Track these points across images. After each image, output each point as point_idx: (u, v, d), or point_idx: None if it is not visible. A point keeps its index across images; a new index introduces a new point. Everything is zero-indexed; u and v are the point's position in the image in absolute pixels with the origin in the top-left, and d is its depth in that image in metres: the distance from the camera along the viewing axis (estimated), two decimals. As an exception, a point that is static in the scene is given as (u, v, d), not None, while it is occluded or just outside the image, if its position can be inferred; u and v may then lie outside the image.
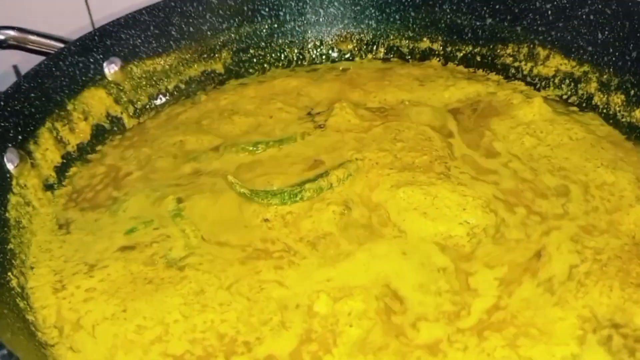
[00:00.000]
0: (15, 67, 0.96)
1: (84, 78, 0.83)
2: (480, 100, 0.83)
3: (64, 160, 0.78)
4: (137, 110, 0.89)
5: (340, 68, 0.95)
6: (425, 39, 0.96)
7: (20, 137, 0.72)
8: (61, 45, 0.85)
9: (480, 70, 0.91)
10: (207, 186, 0.70)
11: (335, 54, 0.98)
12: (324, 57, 0.98)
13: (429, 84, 0.86)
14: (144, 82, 0.90)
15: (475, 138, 0.76)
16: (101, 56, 0.85)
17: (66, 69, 0.80)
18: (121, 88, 0.88)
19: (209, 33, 0.95)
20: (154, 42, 0.90)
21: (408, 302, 0.56)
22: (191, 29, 0.93)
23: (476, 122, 0.78)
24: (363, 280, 0.58)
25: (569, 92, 0.83)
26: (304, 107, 0.84)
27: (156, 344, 0.54)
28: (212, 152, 0.77)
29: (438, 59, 0.94)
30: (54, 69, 0.79)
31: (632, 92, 0.76)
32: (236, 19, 0.96)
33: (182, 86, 0.93)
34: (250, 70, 0.96)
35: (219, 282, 0.58)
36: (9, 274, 0.59)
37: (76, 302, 0.58)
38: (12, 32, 0.85)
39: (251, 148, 0.75)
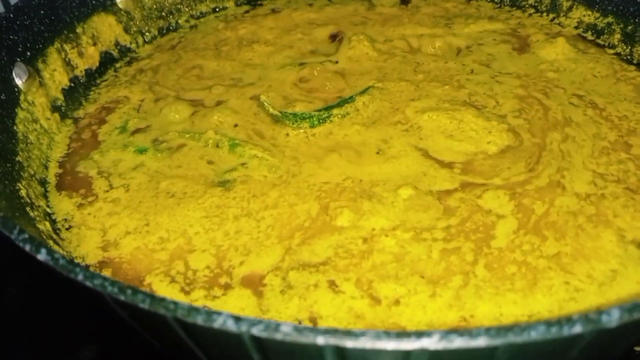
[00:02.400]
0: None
1: (94, 2, 0.80)
2: (502, 36, 0.82)
3: (72, 85, 0.75)
4: (147, 42, 0.86)
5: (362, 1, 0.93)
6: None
7: (29, 53, 0.68)
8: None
9: (507, 7, 0.89)
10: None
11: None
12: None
13: (449, 21, 0.85)
14: (154, 14, 0.87)
15: (497, 71, 0.75)
16: (113, -20, 0.81)
17: (76, -11, 0.77)
18: (131, 17, 0.84)
19: (222, -33, 0.91)
20: (166, -28, 0.87)
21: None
22: (205, -39, 0.90)
23: (497, 57, 0.77)
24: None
25: (592, 38, 0.82)
26: (325, 38, 0.83)
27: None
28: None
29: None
30: (64, -13, 0.75)
31: (658, 43, 0.74)
32: (251, -44, 0.92)
33: (193, 22, 0.90)
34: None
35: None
36: (18, 184, 0.56)
37: (101, 216, 0.57)
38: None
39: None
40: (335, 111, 0.67)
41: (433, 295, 0.48)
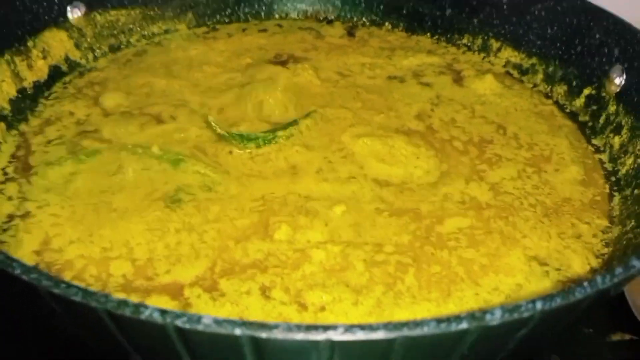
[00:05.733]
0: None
1: (46, 17, 0.81)
2: (439, 68, 0.88)
3: (19, 95, 0.76)
4: (97, 59, 0.88)
5: (309, 26, 0.98)
6: (387, 24, 1.01)
7: (-23, 63, 0.70)
8: (25, -18, 0.83)
9: (444, 42, 0.95)
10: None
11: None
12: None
13: (392, 52, 0.91)
14: (105, 32, 0.90)
15: (429, 101, 0.81)
16: (66, -2, 0.84)
17: (29, 4, 0.79)
18: (83, 34, 0.87)
19: (177, -7, 0.95)
20: (121, -7, 0.90)
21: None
22: (160, -15, 0.93)
23: (431, 88, 0.83)
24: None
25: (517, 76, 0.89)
26: (271, 62, 0.88)
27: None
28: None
29: (402, 28, 0.99)
30: (17, 2, 0.77)
31: (574, 83, 0.82)
32: (206, -18, 0.97)
33: (144, 41, 0.93)
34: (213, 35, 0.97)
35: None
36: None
37: (46, 226, 0.59)
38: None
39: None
40: (280, 133, 0.71)
41: (356, 303, 0.52)
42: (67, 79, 0.83)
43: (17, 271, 0.36)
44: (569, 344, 0.62)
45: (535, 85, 0.87)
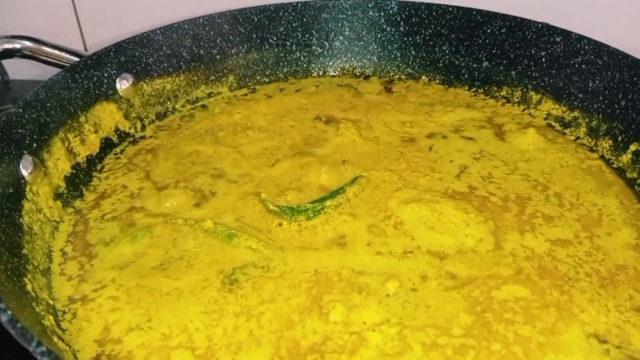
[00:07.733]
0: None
1: (97, 92, 0.84)
2: (477, 123, 0.88)
3: (74, 171, 0.78)
4: (145, 128, 0.91)
5: (347, 83, 1.00)
6: (423, 77, 1.01)
7: (35, 144, 0.72)
8: (75, 58, 0.87)
9: (482, 94, 0.96)
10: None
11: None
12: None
13: (431, 108, 0.91)
14: (152, 100, 0.92)
15: (472, 156, 0.81)
16: (115, 71, 0.87)
17: (81, 81, 0.82)
18: (131, 104, 0.89)
19: (218, 57, 0.98)
20: (165, 62, 0.93)
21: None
22: (201, 51, 0.96)
23: (474, 142, 0.84)
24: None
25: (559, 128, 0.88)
26: (313, 123, 0.89)
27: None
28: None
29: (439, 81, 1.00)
30: (69, 80, 0.80)
31: (619, 138, 0.81)
32: (245, 45, 0.99)
33: (189, 106, 0.96)
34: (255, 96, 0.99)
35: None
36: (24, 278, 0.59)
37: (104, 312, 0.60)
38: (27, 42, 0.86)
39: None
40: (328, 203, 0.72)
41: (417, 391, 0.52)
42: (117, 149, 0.86)
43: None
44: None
45: (578, 138, 0.86)
